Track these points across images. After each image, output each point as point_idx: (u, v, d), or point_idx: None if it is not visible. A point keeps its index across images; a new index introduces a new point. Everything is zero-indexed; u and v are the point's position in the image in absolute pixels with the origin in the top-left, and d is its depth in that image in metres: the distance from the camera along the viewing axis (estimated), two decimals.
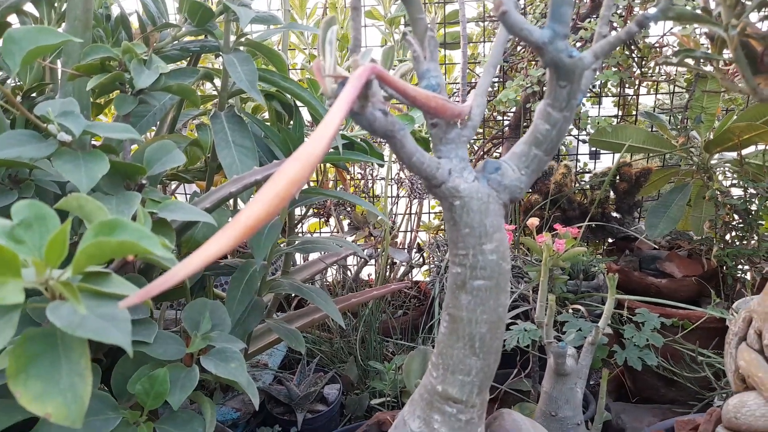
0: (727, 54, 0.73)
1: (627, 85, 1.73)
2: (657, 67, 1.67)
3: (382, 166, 1.22)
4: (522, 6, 1.48)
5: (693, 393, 1.29)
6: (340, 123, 0.39)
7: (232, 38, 0.77)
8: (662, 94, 1.82)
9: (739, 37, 0.65)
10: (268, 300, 0.98)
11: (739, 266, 1.40)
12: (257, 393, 0.61)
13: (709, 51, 0.78)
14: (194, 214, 0.56)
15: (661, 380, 1.35)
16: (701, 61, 1.00)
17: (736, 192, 1.47)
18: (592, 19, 1.32)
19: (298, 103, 0.86)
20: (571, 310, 1.21)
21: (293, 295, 1.41)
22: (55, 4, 0.69)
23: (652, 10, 0.51)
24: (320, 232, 1.74)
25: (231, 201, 0.80)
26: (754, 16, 0.71)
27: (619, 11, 1.36)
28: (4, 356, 0.34)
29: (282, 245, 0.93)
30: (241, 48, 0.80)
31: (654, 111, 1.71)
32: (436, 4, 1.61)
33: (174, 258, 0.36)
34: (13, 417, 0.47)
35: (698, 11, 0.68)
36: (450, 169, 0.53)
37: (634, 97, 1.80)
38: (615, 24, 1.37)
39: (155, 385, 0.55)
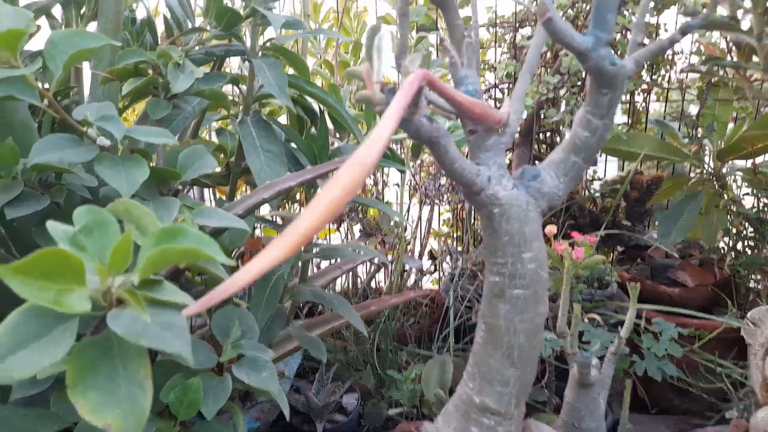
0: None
1: (637, 93, 1.73)
2: (667, 75, 1.67)
3: (403, 172, 1.21)
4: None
5: (707, 404, 1.28)
6: (393, 130, 0.38)
7: (259, 43, 0.77)
8: (672, 101, 1.82)
9: None
10: (287, 307, 0.97)
11: (752, 276, 1.40)
12: (287, 403, 0.60)
13: (735, 59, 0.78)
14: (229, 220, 0.55)
15: (675, 391, 1.34)
16: (725, 70, 1.00)
17: (748, 200, 1.47)
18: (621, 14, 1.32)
19: (321, 108, 0.85)
20: (587, 320, 1.20)
21: (305, 301, 1.41)
22: (83, 8, 0.68)
23: (693, 19, 0.51)
24: (330, 238, 1.73)
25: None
26: None
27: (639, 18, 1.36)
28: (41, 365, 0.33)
29: (302, 249, 0.92)
30: (266, 53, 0.80)
31: (664, 119, 1.71)
32: None
33: (231, 264, 0.36)
34: (50, 428, 0.46)
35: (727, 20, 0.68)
36: (489, 176, 0.53)
37: (644, 104, 1.80)
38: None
39: (189, 394, 0.54)
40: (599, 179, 1.84)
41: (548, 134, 1.67)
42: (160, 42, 0.73)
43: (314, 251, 0.88)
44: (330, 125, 1.06)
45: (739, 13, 0.69)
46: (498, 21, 1.73)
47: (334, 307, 0.82)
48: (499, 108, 0.55)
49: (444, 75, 0.63)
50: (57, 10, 0.71)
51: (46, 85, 0.52)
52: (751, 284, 1.41)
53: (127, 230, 0.31)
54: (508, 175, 0.54)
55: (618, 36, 1.30)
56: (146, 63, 0.57)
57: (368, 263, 1.54)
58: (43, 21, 0.68)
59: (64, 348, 0.31)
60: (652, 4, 1.43)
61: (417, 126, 0.45)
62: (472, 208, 1.62)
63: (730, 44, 1.06)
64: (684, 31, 0.50)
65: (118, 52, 0.57)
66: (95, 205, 0.32)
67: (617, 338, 0.88)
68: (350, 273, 1.55)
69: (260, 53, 0.76)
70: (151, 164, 0.54)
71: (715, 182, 1.44)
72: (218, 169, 0.96)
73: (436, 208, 1.67)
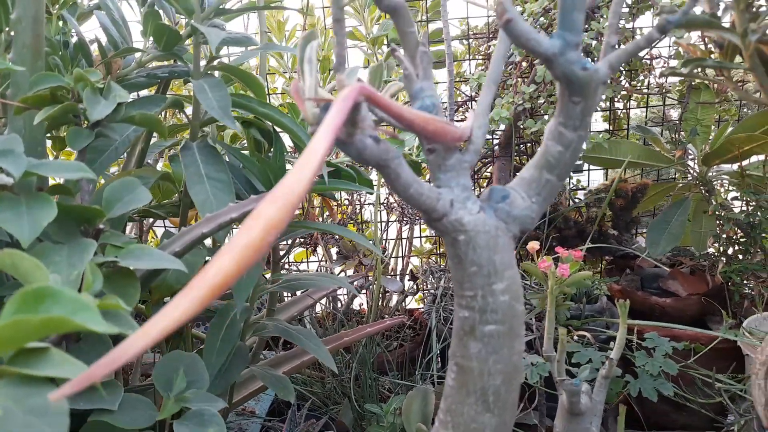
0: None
1: (617, 99, 1.69)
2: (646, 80, 1.63)
3: (371, 194, 1.15)
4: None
5: (706, 418, 1.22)
6: (325, 154, 0.32)
7: (203, 62, 0.71)
8: (653, 106, 1.78)
9: (755, 44, 0.60)
10: (253, 342, 0.90)
11: (745, 282, 1.35)
12: None
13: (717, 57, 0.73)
14: (161, 260, 0.49)
15: (671, 405, 1.28)
16: (704, 71, 0.96)
17: (737, 205, 1.42)
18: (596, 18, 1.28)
19: (279, 130, 0.79)
20: (576, 337, 1.15)
21: None
22: (3, 31, 0.62)
23: (672, 15, 0.46)
24: (308, 261, 1.67)
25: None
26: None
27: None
28: None
29: (267, 281, 0.85)
30: (215, 73, 0.74)
31: (645, 125, 1.67)
32: (419, 23, 1.57)
33: (123, 328, 0.29)
34: None
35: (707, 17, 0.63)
36: (452, 199, 0.47)
37: (624, 111, 1.76)
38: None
39: None
40: (583, 188, 1.80)
41: (528, 145, 1.62)
42: (94, 65, 0.67)
43: (279, 282, 0.81)
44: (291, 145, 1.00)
45: (719, 10, 0.64)
46: (471, 33, 1.69)
47: (300, 343, 0.75)
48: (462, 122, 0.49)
49: (401, 88, 0.57)
50: None
51: None
52: (745, 290, 1.36)
53: None
54: (473, 197, 0.48)
55: (594, 42, 1.25)
56: (64, 89, 0.51)
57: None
58: None
59: None
60: (626, 9, 1.39)
61: (359, 148, 0.39)
62: None
63: (708, 45, 1.02)
64: (662, 28, 0.44)
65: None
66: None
67: (608, 361, 0.82)
68: (330, 297, 1.49)
69: (205, 73, 0.70)
70: (69, 203, 0.48)
71: (701, 187, 1.40)
72: (174, 198, 0.89)
73: (416, 226, 1.61)
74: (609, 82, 1.41)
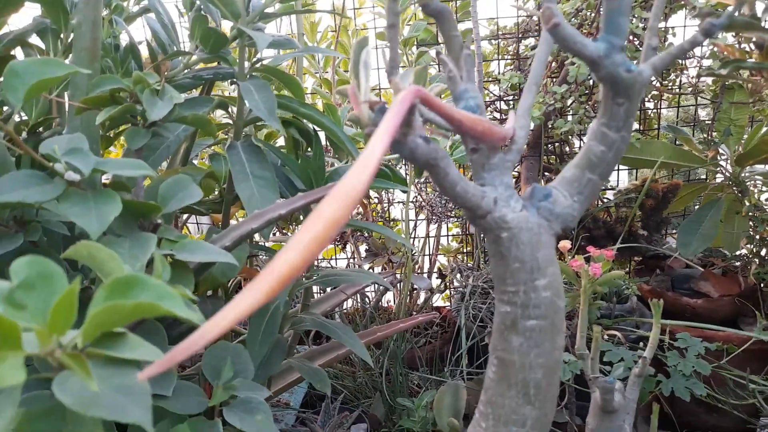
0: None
1: (647, 99, 1.68)
2: (678, 80, 1.62)
3: (405, 192, 1.17)
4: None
5: (738, 420, 1.21)
6: (382, 154, 0.34)
7: (247, 64, 0.73)
8: (683, 106, 1.77)
9: None
10: (289, 335, 0.92)
11: None
12: None
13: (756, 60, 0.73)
14: (214, 254, 0.51)
15: (702, 406, 1.27)
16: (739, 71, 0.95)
17: None
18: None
19: (318, 129, 0.81)
20: (606, 336, 1.15)
21: None
22: (62, 35, 0.65)
23: (717, 19, 0.46)
24: (336, 258, 1.69)
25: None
26: None
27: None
28: None
29: (304, 276, 0.88)
30: (257, 74, 0.76)
31: (676, 125, 1.66)
32: None
33: (201, 316, 0.31)
34: None
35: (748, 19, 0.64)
36: (495, 197, 0.48)
37: (655, 111, 1.75)
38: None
39: None
40: (612, 188, 1.79)
41: (557, 145, 1.62)
42: (144, 67, 0.70)
43: (314, 278, 0.84)
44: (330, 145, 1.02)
45: (759, 11, 0.64)
46: (500, 33, 1.69)
47: (336, 337, 0.77)
48: (502, 122, 0.50)
49: (444, 90, 0.59)
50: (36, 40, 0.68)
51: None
52: None
53: (74, 282, 0.27)
54: (516, 195, 0.50)
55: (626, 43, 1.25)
56: (123, 90, 0.53)
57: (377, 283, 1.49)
58: (18, 51, 0.65)
59: (2, 421, 0.26)
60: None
61: (411, 148, 0.40)
62: None
63: (743, 46, 1.02)
64: (707, 32, 0.45)
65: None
66: (39, 255, 0.28)
67: (642, 359, 0.83)
68: (358, 294, 1.51)
69: (249, 75, 0.72)
70: (130, 198, 0.51)
71: (734, 188, 1.38)
72: (213, 195, 0.92)
73: (444, 224, 1.62)
74: None
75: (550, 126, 1.43)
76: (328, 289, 1.26)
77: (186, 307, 0.28)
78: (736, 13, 0.62)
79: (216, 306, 0.69)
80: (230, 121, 0.83)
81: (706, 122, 1.49)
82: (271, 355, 0.74)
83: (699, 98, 1.57)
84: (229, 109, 0.80)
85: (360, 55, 0.40)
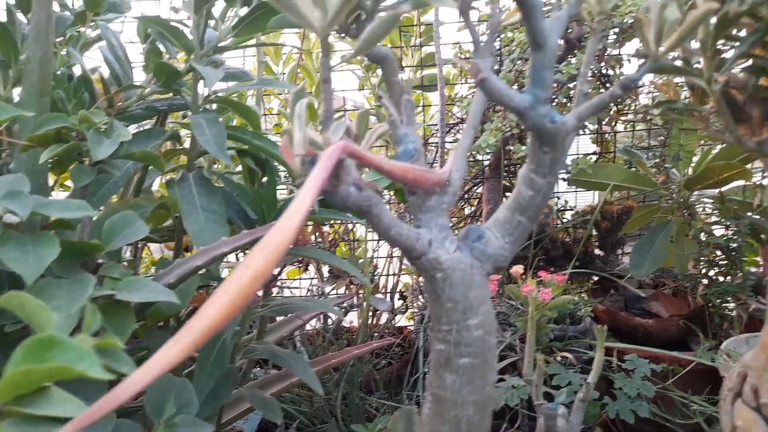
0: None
1: (604, 122, 1.74)
2: (633, 105, 1.68)
3: (361, 224, 1.19)
4: (498, 49, 1.49)
5: None
6: (310, 206, 0.35)
7: (201, 96, 0.74)
8: (639, 130, 1.83)
9: (721, 90, 0.64)
10: (243, 363, 0.93)
11: (725, 304, 1.38)
12: None
13: (689, 100, 0.77)
14: (156, 293, 0.52)
15: (652, 426, 1.31)
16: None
17: (718, 228, 1.46)
18: (568, 61, 1.33)
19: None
20: (558, 358, 1.18)
21: None
22: (11, 69, 0.65)
23: (635, 74, 0.49)
24: (300, 279, 1.69)
25: None
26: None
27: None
28: None
29: (258, 303, 0.88)
30: (213, 105, 0.77)
31: (632, 147, 1.71)
32: (413, 48, 1.61)
33: (114, 376, 0.32)
34: None
35: (678, 62, 0.67)
36: (430, 239, 0.50)
37: (611, 134, 1.81)
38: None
39: None
40: (571, 209, 1.84)
41: (517, 166, 1.66)
42: (98, 98, 0.70)
43: (267, 307, 0.84)
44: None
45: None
46: (464, 55, 1.73)
47: (288, 366, 0.78)
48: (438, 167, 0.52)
49: (387, 131, 0.61)
50: None
51: None
52: (726, 312, 1.40)
53: None
54: (451, 236, 0.52)
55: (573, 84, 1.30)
56: (68, 128, 0.54)
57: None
58: None
59: None
60: (613, 37, 1.44)
61: (343, 197, 0.42)
62: None
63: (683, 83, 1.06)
64: (625, 86, 0.48)
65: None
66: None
67: (585, 384, 0.85)
68: (322, 315, 1.51)
69: (203, 107, 0.73)
70: (71, 239, 0.51)
71: (684, 211, 1.44)
72: (168, 222, 0.92)
73: None
74: None
75: (509, 149, 1.47)
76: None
77: (100, 368, 0.29)
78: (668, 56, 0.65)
79: (164, 338, 0.69)
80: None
81: (657, 147, 1.55)
82: (220, 387, 0.74)
83: (651, 124, 1.63)
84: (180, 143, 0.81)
85: (295, 106, 0.42)
